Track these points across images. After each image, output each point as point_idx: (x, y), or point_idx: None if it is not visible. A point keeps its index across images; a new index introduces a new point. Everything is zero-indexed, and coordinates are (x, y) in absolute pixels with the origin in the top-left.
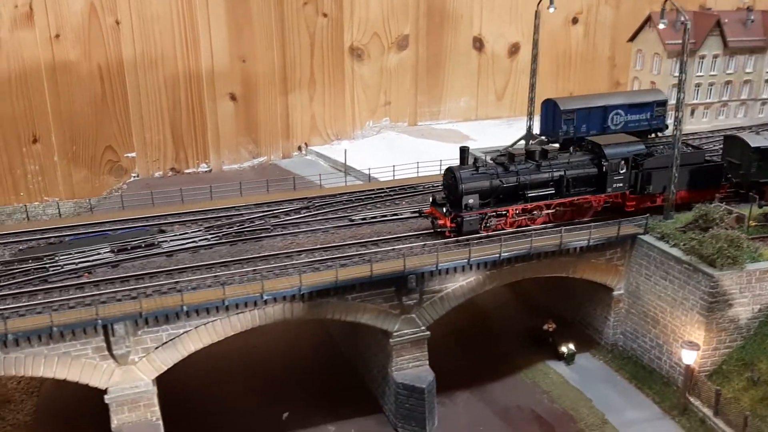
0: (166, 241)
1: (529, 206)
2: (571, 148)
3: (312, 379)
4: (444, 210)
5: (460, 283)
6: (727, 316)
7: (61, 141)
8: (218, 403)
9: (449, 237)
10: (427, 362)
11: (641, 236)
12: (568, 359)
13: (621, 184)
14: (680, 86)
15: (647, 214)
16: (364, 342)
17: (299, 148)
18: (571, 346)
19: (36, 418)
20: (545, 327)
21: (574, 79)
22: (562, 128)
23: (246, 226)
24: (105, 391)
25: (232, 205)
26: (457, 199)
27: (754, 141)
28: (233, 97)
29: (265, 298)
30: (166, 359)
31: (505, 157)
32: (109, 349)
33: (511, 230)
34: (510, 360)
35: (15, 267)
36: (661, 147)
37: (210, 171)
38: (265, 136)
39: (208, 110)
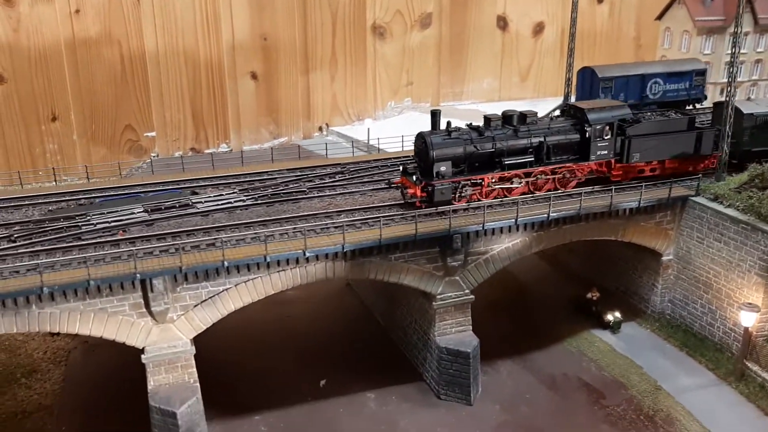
0: (200, 202)
1: (506, 174)
2: (552, 114)
3: (347, 348)
4: (414, 178)
5: (505, 245)
6: None
7: (80, 119)
8: (253, 369)
9: (420, 207)
10: (471, 327)
11: (693, 198)
12: (614, 327)
13: (606, 152)
14: (733, 60)
15: (699, 175)
16: (402, 308)
17: (320, 129)
18: (617, 314)
19: (64, 387)
20: (589, 295)
21: (598, 59)
22: (600, 97)
23: (281, 188)
24: (142, 351)
25: (264, 170)
26: (428, 167)
27: (747, 107)
28: (254, 76)
29: (308, 255)
30: (206, 318)
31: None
32: (147, 305)
33: (525, 196)
34: (552, 329)
35: (47, 225)
36: (649, 113)
37: (230, 151)
38: (286, 116)
39: (228, 89)
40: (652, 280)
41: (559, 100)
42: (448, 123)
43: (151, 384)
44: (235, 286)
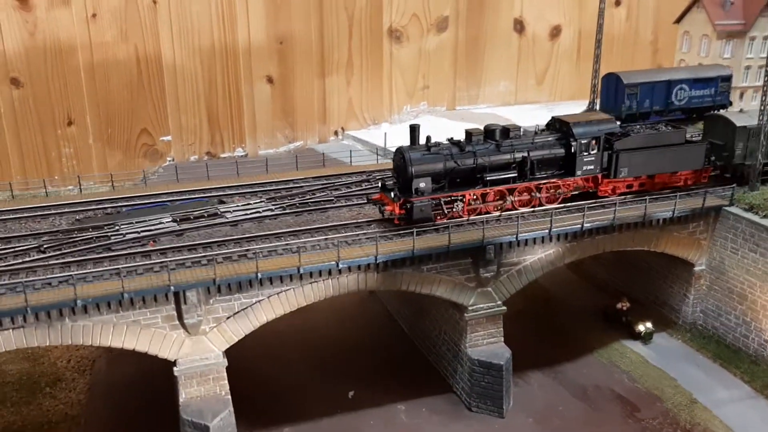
0: (228, 211)
1: (488, 191)
2: (537, 128)
3: (374, 358)
4: (392, 195)
5: (538, 256)
6: None
7: (96, 123)
8: (280, 381)
9: (398, 225)
10: (503, 339)
11: (726, 208)
12: (646, 338)
13: (592, 167)
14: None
15: (733, 185)
16: (430, 318)
17: (335, 133)
18: (649, 324)
19: (90, 396)
20: (619, 306)
21: (615, 63)
22: (625, 103)
23: (308, 197)
24: (174, 363)
25: (290, 178)
26: (407, 183)
27: (740, 120)
28: (270, 80)
29: (341, 266)
30: (238, 330)
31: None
32: (180, 317)
33: (551, 207)
34: (582, 340)
35: (76, 235)
36: (638, 126)
37: (246, 155)
38: (301, 120)
39: (244, 93)
40: (684, 290)
41: (577, 104)
42: (428, 138)
43: (182, 396)
44: (268, 297)
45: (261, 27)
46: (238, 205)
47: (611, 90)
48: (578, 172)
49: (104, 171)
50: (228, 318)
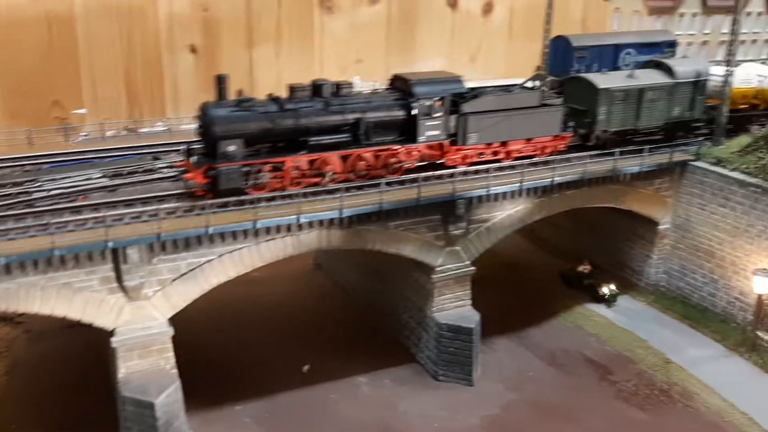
0: (168, 167)
1: (314, 157)
2: (376, 86)
3: (328, 331)
4: (195, 161)
5: (508, 212)
6: None
7: (1, 93)
8: (230, 355)
9: (203, 196)
10: (470, 302)
11: (693, 163)
12: (610, 300)
13: (437, 132)
14: (732, 43)
15: (700, 139)
16: (390, 287)
17: None
18: (612, 286)
19: (9, 380)
20: (580, 269)
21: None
22: (574, 66)
23: None
24: (111, 333)
25: None
26: (213, 146)
27: (603, 82)
28: (193, 50)
29: (302, 221)
30: (185, 294)
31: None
32: (119, 279)
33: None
34: (544, 304)
35: None
36: (490, 87)
37: (168, 130)
38: (228, 93)
39: (166, 63)
40: (646, 251)
41: (512, 81)
42: (240, 91)
43: (121, 371)
44: (219, 257)
45: None
46: (177, 161)
47: (560, 53)
48: (421, 138)
49: (10, 149)
50: (174, 280)
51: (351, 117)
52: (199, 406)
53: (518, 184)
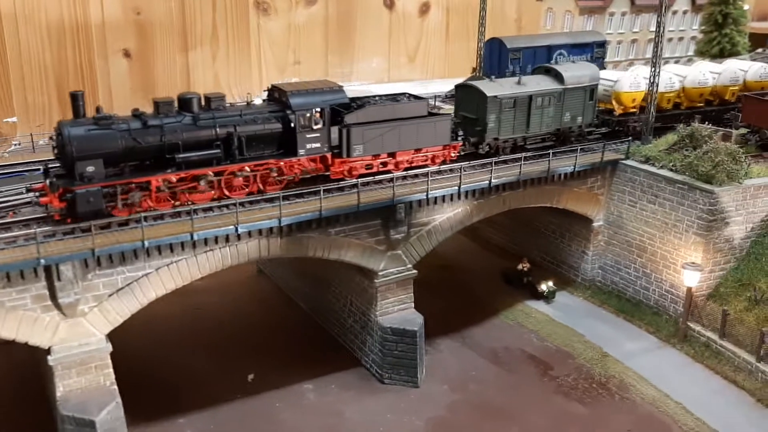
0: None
1: (183, 175)
2: (249, 98)
3: (272, 339)
4: (50, 183)
5: (447, 215)
6: (723, 235)
7: None
8: (169, 368)
9: (60, 221)
10: (413, 304)
11: (623, 161)
12: (549, 297)
13: (318, 145)
14: (657, 40)
15: (629, 138)
16: (333, 292)
17: None
18: (551, 283)
19: None
20: (520, 267)
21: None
22: (509, 68)
23: None
24: (48, 351)
25: None
26: (70, 167)
27: (490, 89)
28: (127, 54)
29: (240, 231)
30: (123, 309)
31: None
32: (53, 297)
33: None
34: (486, 304)
35: None
36: (376, 97)
37: None
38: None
39: (99, 68)
40: (582, 247)
41: (450, 82)
42: (98, 108)
43: (60, 390)
44: (156, 270)
45: None
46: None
47: (494, 55)
48: (301, 152)
49: None
50: (110, 295)
51: (222, 131)
52: (140, 421)
53: (456, 187)
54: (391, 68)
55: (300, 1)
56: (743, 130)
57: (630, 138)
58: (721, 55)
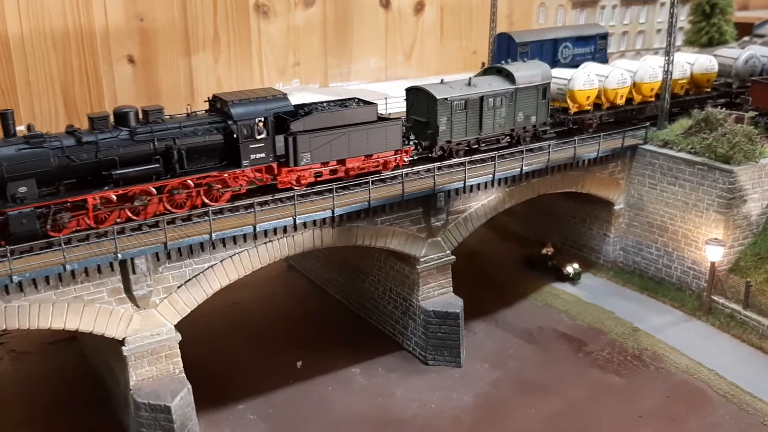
0: None
1: (120, 192)
2: (189, 110)
3: (314, 328)
4: None
5: (482, 202)
6: (742, 212)
7: None
8: (222, 359)
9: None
10: (452, 289)
11: (642, 146)
12: (575, 278)
13: (262, 155)
14: (671, 30)
15: (647, 124)
16: (371, 281)
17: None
18: (576, 265)
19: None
20: (544, 251)
21: (476, 38)
22: (518, 61)
23: None
24: (122, 342)
25: None
26: (1, 188)
27: (440, 92)
28: (131, 60)
29: (299, 221)
30: (190, 299)
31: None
32: (128, 289)
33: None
34: (514, 288)
35: None
36: (324, 103)
37: None
38: (168, 102)
39: (104, 75)
40: (603, 230)
41: (445, 78)
42: (29, 126)
43: (133, 379)
44: (221, 261)
45: (118, 3)
46: None
47: (503, 49)
48: (245, 163)
49: None
50: (179, 287)
51: (161, 145)
52: (202, 408)
53: (491, 176)
54: (388, 67)
55: (299, 2)
56: (752, 113)
57: (647, 124)
58: (710, 44)
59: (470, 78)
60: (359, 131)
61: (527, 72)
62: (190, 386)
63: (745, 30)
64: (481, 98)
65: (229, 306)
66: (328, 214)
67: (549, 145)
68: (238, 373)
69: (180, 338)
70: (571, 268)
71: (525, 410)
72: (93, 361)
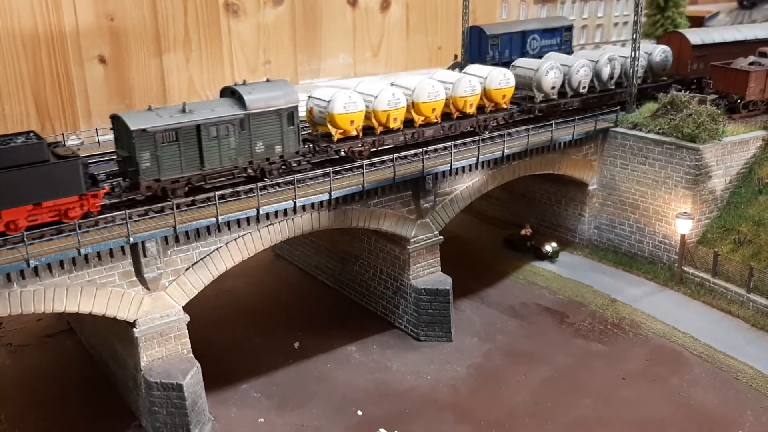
0: None
1: None
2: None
3: (307, 311)
4: None
5: (467, 184)
6: (708, 188)
7: None
8: (225, 343)
9: None
10: (440, 267)
11: (613, 129)
12: (553, 256)
13: None
14: (636, 27)
15: (617, 108)
16: (361, 264)
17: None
18: (554, 244)
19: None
20: (523, 232)
21: (441, 33)
22: (489, 53)
23: None
24: (133, 324)
25: None
26: None
27: (139, 122)
28: (102, 60)
29: (299, 204)
30: (197, 281)
31: None
32: (138, 272)
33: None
34: (496, 267)
35: None
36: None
37: (82, 143)
38: (140, 102)
39: (75, 75)
40: (578, 210)
41: (412, 74)
42: None
43: (144, 360)
44: (226, 244)
45: (88, 3)
46: None
47: (475, 42)
48: None
49: None
50: (187, 269)
51: None
52: (208, 389)
53: (475, 158)
54: (356, 63)
55: (267, 1)
56: (713, 96)
57: (617, 108)
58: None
59: (184, 104)
60: (19, 174)
61: (263, 95)
62: (199, 365)
63: (697, 23)
64: (198, 127)
65: (221, 295)
66: (325, 197)
67: (528, 129)
68: (239, 355)
69: (188, 319)
70: (549, 247)
71: (517, 377)
72: (94, 350)
